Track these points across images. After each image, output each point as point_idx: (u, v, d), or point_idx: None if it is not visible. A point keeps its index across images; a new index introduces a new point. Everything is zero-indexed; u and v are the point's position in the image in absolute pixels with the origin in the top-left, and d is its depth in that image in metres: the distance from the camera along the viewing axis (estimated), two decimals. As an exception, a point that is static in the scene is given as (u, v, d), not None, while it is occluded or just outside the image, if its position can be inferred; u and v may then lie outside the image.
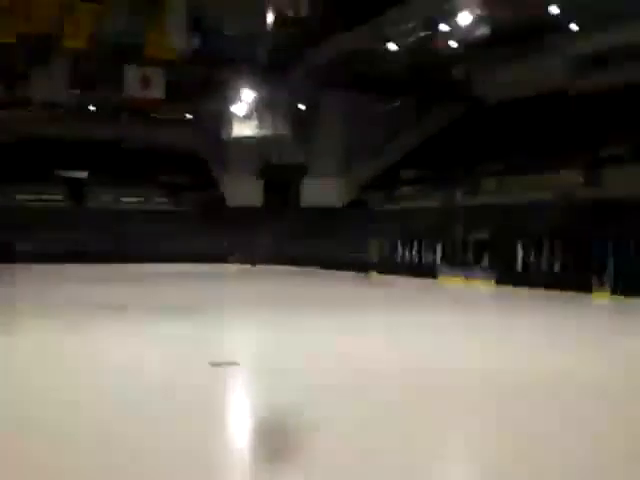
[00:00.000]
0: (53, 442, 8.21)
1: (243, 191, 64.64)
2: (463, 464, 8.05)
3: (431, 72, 53.74)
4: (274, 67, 53.58)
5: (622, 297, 29.85)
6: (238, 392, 12.10)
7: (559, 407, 10.47)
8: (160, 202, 64.85)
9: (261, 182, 66.26)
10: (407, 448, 8.22)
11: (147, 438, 8.46)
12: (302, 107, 59.97)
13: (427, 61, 51.71)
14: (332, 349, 15.84)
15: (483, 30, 42.36)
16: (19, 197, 59.86)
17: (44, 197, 61.08)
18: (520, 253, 37.58)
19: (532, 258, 36.91)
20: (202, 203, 65.28)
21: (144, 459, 7.64)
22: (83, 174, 64.77)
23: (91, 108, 60.07)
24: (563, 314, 25.53)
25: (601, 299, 30.23)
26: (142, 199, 63.72)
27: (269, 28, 46.43)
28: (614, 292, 30.68)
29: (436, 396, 11.07)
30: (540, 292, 32.68)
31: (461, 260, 41.49)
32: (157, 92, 50.95)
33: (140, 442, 8.26)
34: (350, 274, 45.71)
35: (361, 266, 47.30)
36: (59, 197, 62.06)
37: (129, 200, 63.28)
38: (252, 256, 52.30)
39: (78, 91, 53.43)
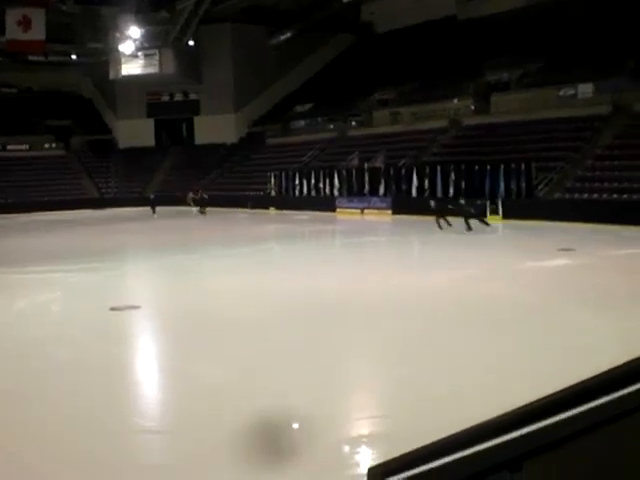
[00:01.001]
0: None
1: (134, 132, 63.15)
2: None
3: (319, 2, 53.14)
4: (158, 2, 52.22)
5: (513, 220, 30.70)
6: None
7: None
8: (49, 147, 62.78)
9: (152, 121, 64.81)
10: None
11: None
12: (190, 43, 58.65)
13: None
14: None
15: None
16: None
17: None
18: (415, 181, 38.03)
19: (426, 186, 37.39)
20: (92, 146, 63.64)
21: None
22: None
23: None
24: (462, 240, 26.10)
25: (495, 222, 30.99)
26: (29, 146, 61.42)
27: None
28: (505, 216, 31.56)
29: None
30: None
31: (358, 191, 41.71)
32: (38, 34, 49.09)
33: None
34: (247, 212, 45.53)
35: (259, 201, 47.19)
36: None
37: (15, 148, 60.90)
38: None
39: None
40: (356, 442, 7.12)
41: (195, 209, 47.98)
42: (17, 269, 21.14)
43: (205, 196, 48.31)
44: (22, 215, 48.08)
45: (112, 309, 13.78)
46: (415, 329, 11.80)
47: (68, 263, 22.25)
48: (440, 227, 28.12)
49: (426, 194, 37.22)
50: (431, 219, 29.08)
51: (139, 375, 10.33)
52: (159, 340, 12.58)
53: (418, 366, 9.54)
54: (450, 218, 28.17)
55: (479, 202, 30.46)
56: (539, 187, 33.01)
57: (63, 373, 9.81)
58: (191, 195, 49.67)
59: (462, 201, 29.10)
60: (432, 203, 29.69)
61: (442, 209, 28.67)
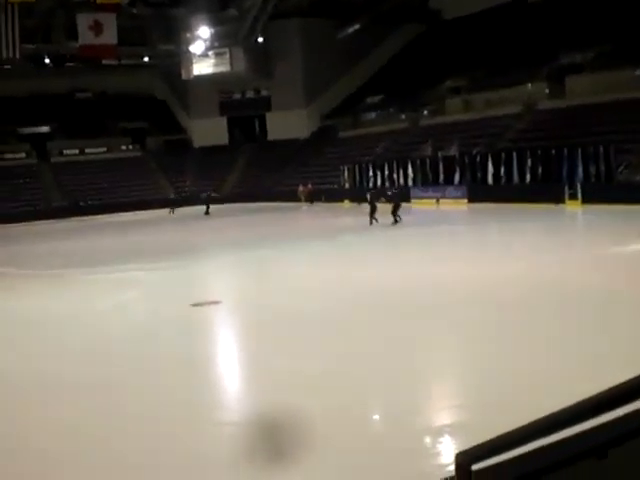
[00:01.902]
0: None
1: (208, 131, 63.90)
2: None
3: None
4: (227, 1, 52.63)
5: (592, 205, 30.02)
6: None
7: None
8: (125, 149, 63.97)
9: (224, 120, 65.45)
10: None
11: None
12: (260, 40, 58.98)
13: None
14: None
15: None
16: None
17: (7, 156, 59.92)
18: (491, 168, 37.54)
19: (502, 173, 36.88)
20: (167, 146, 64.66)
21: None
22: (44, 129, 63.75)
23: (45, 61, 58.71)
24: (541, 227, 25.72)
25: (573, 208, 30.41)
26: (106, 148, 62.69)
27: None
28: (585, 200, 30.86)
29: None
30: (515, 206, 32.66)
31: (432, 180, 41.39)
32: (110, 38, 49.99)
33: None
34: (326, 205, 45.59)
35: (332, 194, 47.17)
36: (22, 155, 60.96)
37: (93, 151, 62.22)
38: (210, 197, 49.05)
39: (29, 45, 52.12)
40: (439, 431, 7.07)
41: (306, 204, 47.62)
42: (100, 268, 21.61)
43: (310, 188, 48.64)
44: (102, 216, 49.12)
45: (194, 305, 13.97)
46: (495, 317, 11.67)
47: (149, 261, 22.65)
48: (371, 222, 28.08)
49: (502, 181, 36.76)
50: (509, 206, 28.71)
51: (220, 369, 10.44)
52: (239, 335, 12.70)
53: (499, 354, 9.42)
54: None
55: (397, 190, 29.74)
56: (618, 170, 32.21)
57: (146, 368, 9.98)
58: (301, 188, 49.38)
59: (389, 191, 28.79)
60: (368, 195, 29.21)
61: (374, 200, 28.35)
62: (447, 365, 9.63)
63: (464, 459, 2.67)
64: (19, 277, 21.80)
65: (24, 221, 48.91)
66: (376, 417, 7.96)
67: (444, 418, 7.56)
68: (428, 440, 6.89)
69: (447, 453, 6.40)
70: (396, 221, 27.45)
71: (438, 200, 39.05)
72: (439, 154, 41.77)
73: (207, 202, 46.83)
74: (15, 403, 8.80)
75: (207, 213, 45.99)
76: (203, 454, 6.66)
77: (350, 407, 7.75)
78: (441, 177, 40.92)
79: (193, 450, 6.79)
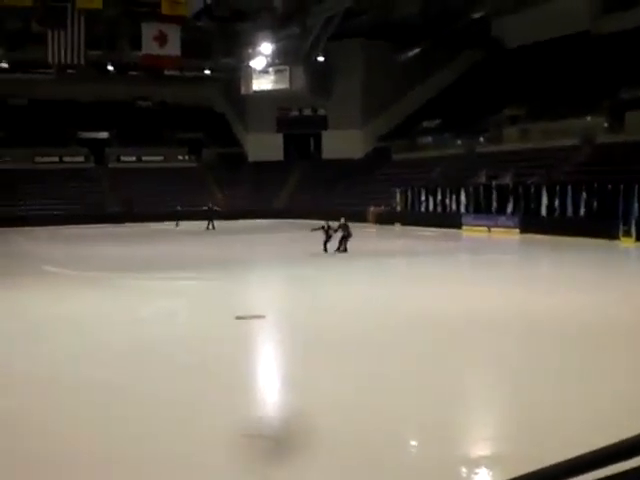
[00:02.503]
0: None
1: (263, 146, 64.39)
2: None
3: (449, 17, 52.78)
4: (290, 19, 52.97)
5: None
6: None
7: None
8: (181, 159, 64.71)
9: (281, 136, 65.88)
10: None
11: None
12: (320, 59, 59.29)
13: (444, 6, 50.82)
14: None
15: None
16: (38, 160, 59.85)
17: (66, 159, 61.10)
18: (545, 200, 37.14)
19: (556, 205, 36.48)
20: (223, 159, 65.23)
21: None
22: (103, 135, 64.84)
23: (109, 68, 59.72)
24: (594, 261, 25.35)
25: (627, 244, 29.95)
26: (162, 157, 63.53)
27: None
28: (639, 238, 30.36)
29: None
30: (567, 240, 32.24)
31: (485, 208, 41.09)
32: (173, 49, 50.61)
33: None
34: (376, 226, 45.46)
35: (385, 217, 47.07)
36: (80, 159, 62.06)
37: (150, 159, 63.11)
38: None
39: (95, 51, 53.11)
40: (476, 463, 6.98)
41: (375, 226, 46.09)
42: (148, 274, 21.83)
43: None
44: (153, 224, 49.69)
45: (237, 318, 14.01)
46: (541, 350, 11.51)
47: (196, 271, 22.81)
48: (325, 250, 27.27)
49: (556, 214, 36.35)
50: (562, 239, 28.35)
51: (260, 384, 10.44)
52: (282, 352, 12.68)
53: (542, 389, 9.28)
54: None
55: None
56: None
57: (189, 378, 10.00)
58: (372, 209, 48.48)
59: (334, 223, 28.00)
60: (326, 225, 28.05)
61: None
62: (488, 395, 9.51)
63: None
64: (71, 278, 22.08)
65: (78, 224, 49.76)
66: (413, 445, 7.87)
67: (481, 450, 7.47)
68: (465, 471, 6.80)
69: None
70: (342, 249, 27.07)
71: (490, 228, 38.75)
72: (493, 182, 41.49)
73: (210, 216, 46.24)
74: (67, 406, 8.89)
75: (211, 228, 45.38)
76: (227, 464, 6.65)
77: (385, 435, 7.70)
78: (494, 205, 40.60)
79: (221, 461, 6.78)
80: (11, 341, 12.89)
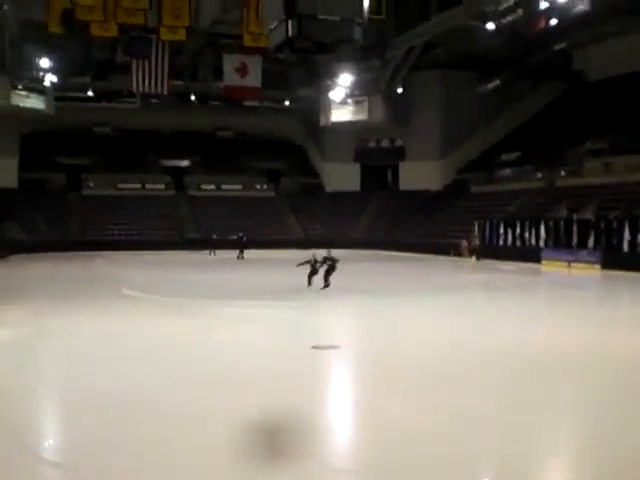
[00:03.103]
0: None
1: (341, 176, 64.72)
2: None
3: (530, 50, 52.38)
4: (370, 51, 53.26)
5: None
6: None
7: None
8: (259, 188, 65.48)
9: (358, 166, 66.10)
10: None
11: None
12: (399, 90, 59.42)
13: (526, 39, 50.40)
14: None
15: (583, 5, 40.93)
16: (122, 186, 61.32)
17: (147, 186, 62.49)
18: (627, 235, 36.34)
19: (639, 240, 35.63)
20: (301, 188, 65.78)
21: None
22: (184, 163, 66.09)
23: (191, 98, 60.93)
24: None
25: None
26: (241, 186, 64.41)
27: (365, 12, 46.02)
28: None
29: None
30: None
31: (565, 242, 40.38)
32: (254, 80, 51.36)
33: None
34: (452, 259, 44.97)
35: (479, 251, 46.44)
36: (161, 186, 63.37)
37: (229, 187, 64.05)
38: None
39: (177, 81, 54.30)
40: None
41: (471, 258, 44.58)
42: (223, 302, 22.08)
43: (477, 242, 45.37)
44: (231, 251, 50.22)
45: (313, 347, 14.02)
46: (619, 390, 11.24)
47: (270, 299, 22.94)
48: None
49: (639, 249, 35.52)
50: None
51: (336, 415, 10.41)
52: (357, 381, 12.65)
53: (619, 430, 9.05)
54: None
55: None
56: None
57: (266, 406, 10.03)
58: (465, 243, 46.24)
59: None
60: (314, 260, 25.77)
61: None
62: (565, 435, 9.31)
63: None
64: (150, 302, 22.46)
65: (159, 249, 50.82)
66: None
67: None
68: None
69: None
70: (325, 284, 25.33)
71: (570, 264, 38.04)
72: (574, 216, 40.78)
73: (241, 246, 46.42)
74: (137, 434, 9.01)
75: (241, 257, 45.61)
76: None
77: (460, 469, 7.60)
78: (574, 240, 39.86)
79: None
80: (93, 362, 13.15)
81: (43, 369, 12.79)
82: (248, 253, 46.78)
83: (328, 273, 25.28)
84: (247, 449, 7.85)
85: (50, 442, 9.02)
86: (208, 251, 49.68)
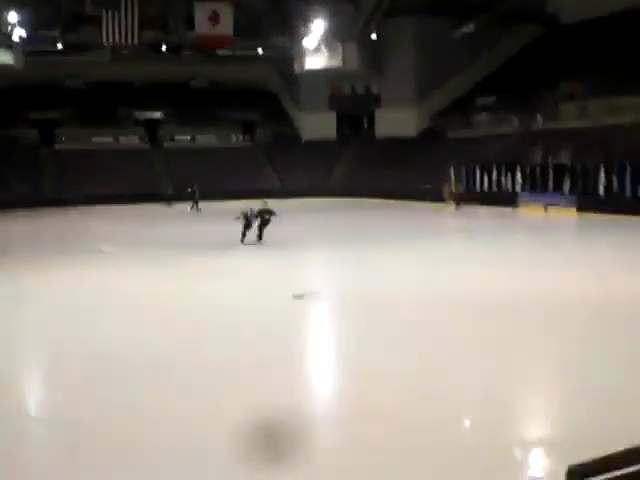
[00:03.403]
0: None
1: (316, 125, 64.32)
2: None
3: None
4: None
5: None
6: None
7: None
8: (235, 139, 65.03)
9: (334, 114, 65.69)
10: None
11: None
12: (373, 36, 58.90)
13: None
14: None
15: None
16: (95, 140, 60.65)
17: (121, 139, 61.88)
18: (602, 178, 36.49)
19: (615, 183, 35.81)
20: (276, 138, 65.39)
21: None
22: (157, 115, 65.41)
23: (162, 48, 60.10)
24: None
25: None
26: (216, 137, 63.94)
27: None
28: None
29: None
30: (624, 219, 31.63)
31: (541, 187, 40.51)
32: (226, 29, 50.75)
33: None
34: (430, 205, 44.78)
35: (438, 196, 46.55)
36: (135, 138, 62.78)
37: (203, 139, 63.58)
38: None
39: (148, 32, 53.46)
40: (532, 445, 6.92)
41: (453, 205, 43.02)
42: (202, 252, 22.08)
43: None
44: (207, 203, 49.95)
45: (295, 297, 14.04)
46: (598, 332, 11.37)
47: (247, 249, 22.94)
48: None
49: (614, 193, 35.69)
50: (619, 218, 27.83)
51: (316, 363, 10.47)
52: (337, 330, 12.71)
53: (599, 371, 9.17)
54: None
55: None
56: None
57: (252, 355, 10.06)
58: (447, 189, 44.84)
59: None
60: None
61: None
62: (541, 380, 9.42)
63: (577, 472, 2.57)
64: (124, 257, 22.38)
65: (133, 203, 50.41)
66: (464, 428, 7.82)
67: (538, 433, 7.42)
68: (519, 454, 6.75)
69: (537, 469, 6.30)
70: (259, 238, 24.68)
71: (546, 207, 38.21)
72: (550, 161, 40.85)
73: (194, 198, 45.91)
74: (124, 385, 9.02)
75: (195, 210, 45.08)
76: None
77: (440, 414, 7.66)
78: (551, 184, 40.01)
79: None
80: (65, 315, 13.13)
81: (24, 325, 12.79)
82: (226, 204, 46.64)
83: (261, 226, 24.70)
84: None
85: (33, 396, 9.03)
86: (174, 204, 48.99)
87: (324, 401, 8.64)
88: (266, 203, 25.39)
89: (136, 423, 7.64)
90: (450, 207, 43.13)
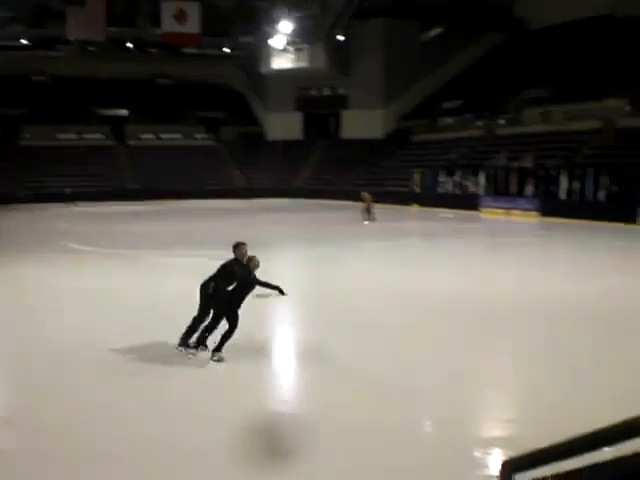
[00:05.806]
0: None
1: (283, 125, 64.33)
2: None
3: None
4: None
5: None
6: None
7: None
8: (200, 138, 64.81)
9: (300, 115, 65.71)
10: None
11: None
12: (340, 38, 59.06)
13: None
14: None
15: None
16: (60, 137, 60.10)
17: (85, 136, 61.34)
18: (564, 183, 36.94)
19: (576, 188, 36.26)
20: (242, 138, 65.28)
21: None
22: (123, 112, 64.97)
23: (128, 45, 59.74)
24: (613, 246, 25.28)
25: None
26: (181, 135, 63.66)
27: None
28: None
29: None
30: (585, 223, 32.04)
31: (504, 190, 40.90)
32: (193, 27, 50.56)
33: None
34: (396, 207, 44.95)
35: (402, 197, 46.83)
36: (100, 136, 62.28)
37: (169, 137, 63.24)
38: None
39: (114, 29, 53.08)
40: (488, 444, 7.06)
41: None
42: (165, 252, 22.02)
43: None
44: (172, 201, 49.85)
45: (257, 296, 14.08)
46: (556, 334, 11.57)
47: (213, 248, 22.91)
48: None
49: (575, 197, 36.14)
50: (580, 222, 28.22)
51: (283, 360, 10.55)
52: (300, 327, 12.82)
53: (554, 370, 9.37)
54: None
55: None
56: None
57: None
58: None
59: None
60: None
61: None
62: (498, 379, 9.57)
63: (509, 468, 2.68)
64: (92, 255, 22.29)
65: (99, 201, 50.11)
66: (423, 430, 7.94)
67: (493, 431, 7.56)
68: (476, 453, 6.87)
69: (494, 467, 6.41)
70: None
71: (508, 211, 38.59)
72: (513, 164, 41.27)
73: (68, 199, 48.65)
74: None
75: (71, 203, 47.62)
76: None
77: (399, 415, 7.77)
78: (513, 188, 40.41)
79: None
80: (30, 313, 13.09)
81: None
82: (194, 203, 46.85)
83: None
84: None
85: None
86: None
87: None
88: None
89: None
90: (411, 209, 43.56)
